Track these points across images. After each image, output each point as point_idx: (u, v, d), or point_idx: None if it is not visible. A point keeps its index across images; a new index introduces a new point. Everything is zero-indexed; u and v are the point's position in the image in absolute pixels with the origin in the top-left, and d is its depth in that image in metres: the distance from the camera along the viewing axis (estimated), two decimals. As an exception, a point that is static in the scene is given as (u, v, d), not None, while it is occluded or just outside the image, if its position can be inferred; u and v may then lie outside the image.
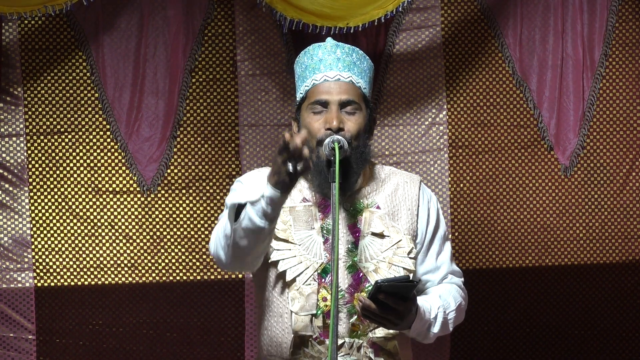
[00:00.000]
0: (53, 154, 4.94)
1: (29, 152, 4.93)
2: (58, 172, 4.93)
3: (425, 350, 4.84)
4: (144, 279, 4.93)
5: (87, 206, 4.94)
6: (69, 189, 4.94)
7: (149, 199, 4.96)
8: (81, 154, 4.95)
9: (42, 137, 4.94)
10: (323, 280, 2.88)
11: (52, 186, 4.93)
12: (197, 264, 4.96)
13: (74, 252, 4.92)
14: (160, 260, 4.94)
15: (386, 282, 2.68)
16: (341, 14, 4.62)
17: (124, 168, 4.96)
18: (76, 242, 4.93)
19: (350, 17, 4.63)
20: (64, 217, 4.93)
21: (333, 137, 2.83)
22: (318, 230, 2.91)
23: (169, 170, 4.97)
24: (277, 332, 2.91)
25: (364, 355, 2.89)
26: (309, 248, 2.90)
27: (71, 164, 4.95)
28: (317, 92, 2.92)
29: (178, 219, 4.96)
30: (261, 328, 2.98)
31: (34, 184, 4.92)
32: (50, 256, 4.92)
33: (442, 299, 2.95)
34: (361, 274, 2.90)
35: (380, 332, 2.89)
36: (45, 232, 4.92)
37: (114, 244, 4.93)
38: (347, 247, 2.91)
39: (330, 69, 2.92)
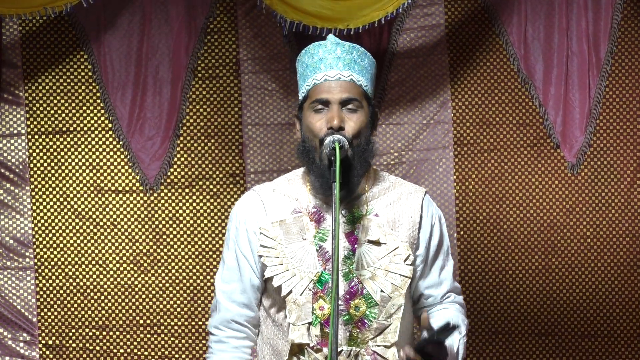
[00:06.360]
0: (55, 154, 4.93)
1: (31, 151, 4.93)
2: (60, 171, 4.93)
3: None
4: (146, 278, 4.92)
5: (90, 205, 4.93)
6: (71, 189, 4.93)
7: (151, 198, 4.95)
8: (83, 153, 4.94)
9: (43, 137, 4.93)
10: (320, 289, 2.86)
11: (53, 185, 4.92)
12: (200, 263, 4.95)
13: (75, 252, 4.92)
14: (162, 260, 4.93)
15: (434, 336, 2.68)
16: (341, 15, 4.61)
17: (126, 167, 4.95)
18: (78, 241, 4.92)
19: (351, 19, 4.62)
20: (66, 217, 4.92)
21: (334, 137, 2.82)
22: (311, 239, 2.90)
23: (171, 169, 4.96)
24: (277, 341, 2.93)
25: None
26: (302, 259, 2.89)
27: (73, 163, 4.94)
28: (318, 92, 2.91)
29: (181, 218, 4.95)
30: (259, 336, 3.01)
31: (36, 183, 4.92)
32: (52, 256, 4.91)
33: (458, 330, 2.93)
34: (358, 282, 2.88)
35: (380, 340, 2.88)
36: (47, 231, 4.91)
37: (117, 244, 4.93)
38: (344, 255, 2.90)
39: (330, 68, 2.92)
